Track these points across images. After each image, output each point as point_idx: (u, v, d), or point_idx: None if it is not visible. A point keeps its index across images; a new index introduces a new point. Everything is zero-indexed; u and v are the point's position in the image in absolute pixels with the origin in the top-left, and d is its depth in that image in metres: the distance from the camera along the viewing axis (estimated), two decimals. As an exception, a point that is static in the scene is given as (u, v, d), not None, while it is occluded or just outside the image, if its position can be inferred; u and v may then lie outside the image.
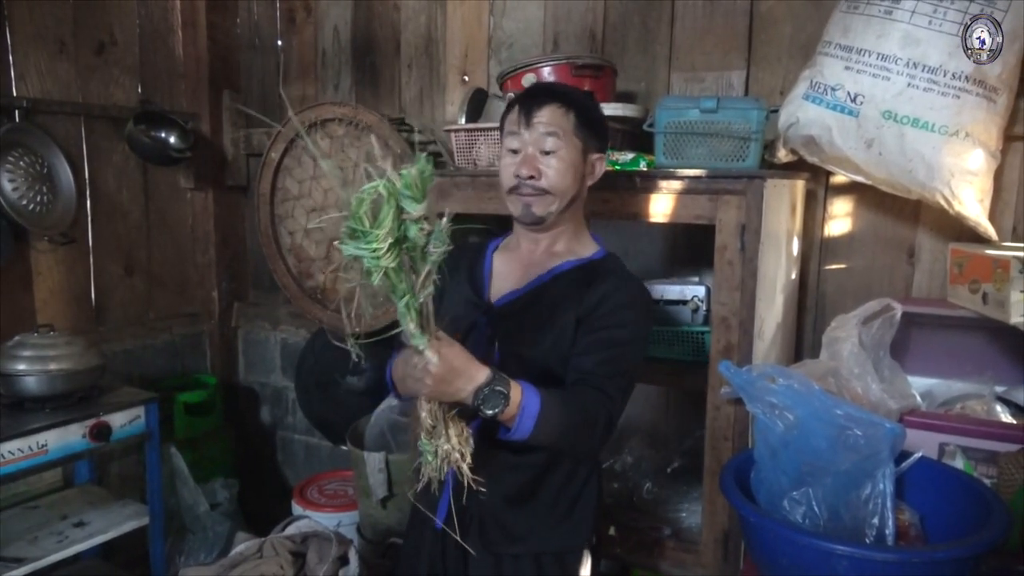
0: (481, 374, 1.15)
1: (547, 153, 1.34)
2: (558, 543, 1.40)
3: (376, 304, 1.09)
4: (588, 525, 1.44)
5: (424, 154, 1.03)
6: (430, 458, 1.18)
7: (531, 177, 1.33)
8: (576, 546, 1.43)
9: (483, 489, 1.19)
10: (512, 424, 1.18)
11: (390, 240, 1.00)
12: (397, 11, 2.56)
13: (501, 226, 2.32)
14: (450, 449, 1.17)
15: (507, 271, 1.46)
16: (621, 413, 1.32)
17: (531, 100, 1.37)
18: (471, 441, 1.20)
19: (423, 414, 1.18)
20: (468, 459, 1.18)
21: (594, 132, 1.39)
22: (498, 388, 1.15)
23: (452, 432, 1.18)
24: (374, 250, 1.00)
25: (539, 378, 1.27)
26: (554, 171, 1.34)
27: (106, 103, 2.58)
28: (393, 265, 1.02)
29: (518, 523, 1.38)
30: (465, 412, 1.20)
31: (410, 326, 1.08)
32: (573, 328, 1.33)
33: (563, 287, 1.37)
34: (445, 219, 1.06)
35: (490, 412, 1.15)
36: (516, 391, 1.17)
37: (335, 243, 1.04)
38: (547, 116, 1.34)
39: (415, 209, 1.00)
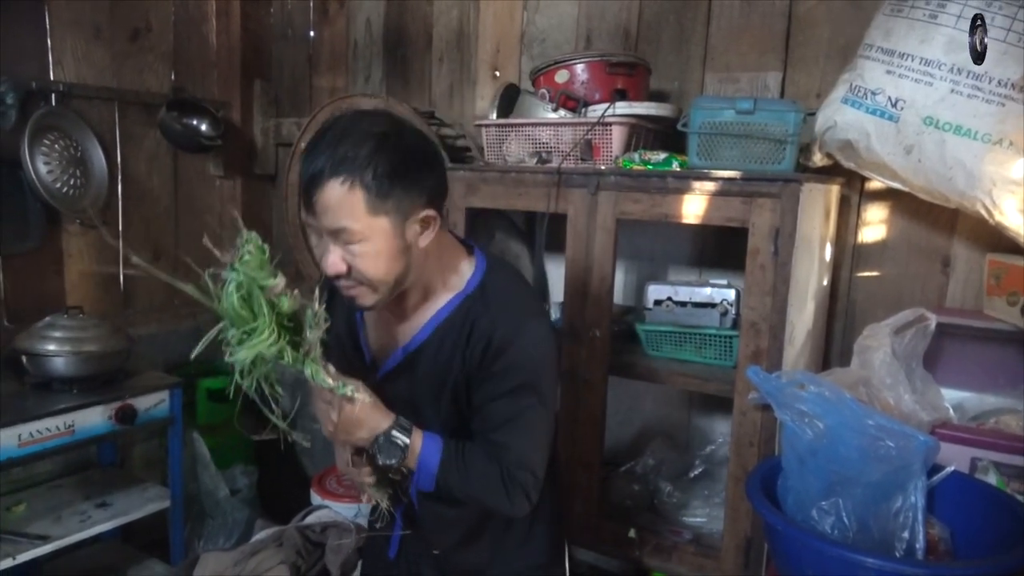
0: (385, 420, 1.12)
1: (348, 243, 1.08)
2: (519, 564, 1.34)
3: (284, 384, 1.10)
4: (550, 540, 1.37)
5: (251, 232, 1.01)
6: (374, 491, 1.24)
7: (338, 276, 1.11)
8: (540, 563, 1.37)
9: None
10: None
11: (274, 322, 1.02)
12: (429, 5, 2.56)
13: (528, 222, 2.32)
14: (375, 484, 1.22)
15: (379, 319, 1.27)
16: (545, 465, 1.19)
17: (308, 180, 1.06)
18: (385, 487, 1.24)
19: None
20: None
21: (408, 187, 1.07)
22: (394, 438, 1.11)
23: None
24: (270, 334, 1.02)
25: None
26: (363, 264, 1.08)
27: (139, 89, 2.61)
28: (288, 340, 1.04)
29: (473, 558, 1.33)
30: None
31: (329, 381, 1.09)
32: (466, 387, 1.18)
33: (445, 338, 1.18)
34: (317, 305, 1.06)
35: (385, 463, 1.12)
36: (416, 442, 1.13)
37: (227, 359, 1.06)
38: (329, 200, 1.04)
39: (274, 283, 1.01)
